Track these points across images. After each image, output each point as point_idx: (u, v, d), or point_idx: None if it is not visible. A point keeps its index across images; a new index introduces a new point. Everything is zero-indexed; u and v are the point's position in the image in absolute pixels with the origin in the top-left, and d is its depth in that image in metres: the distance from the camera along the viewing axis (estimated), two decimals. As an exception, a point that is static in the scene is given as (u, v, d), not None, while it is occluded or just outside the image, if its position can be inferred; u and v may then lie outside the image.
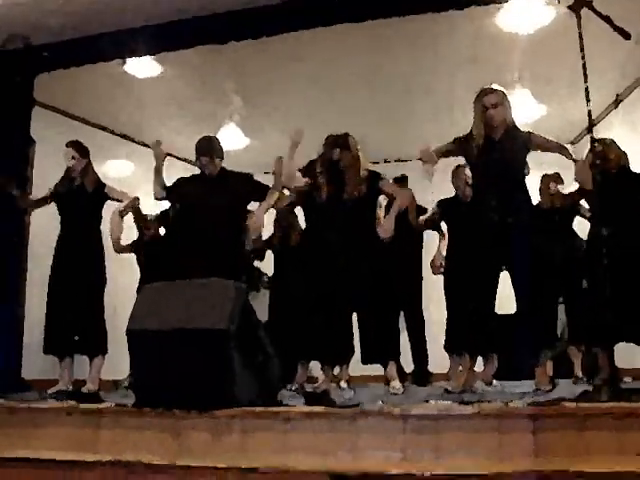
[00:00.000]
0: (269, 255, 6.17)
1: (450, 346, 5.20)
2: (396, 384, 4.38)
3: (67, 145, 4.98)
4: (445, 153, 4.29)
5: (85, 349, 4.82)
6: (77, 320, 4.73)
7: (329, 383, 4.51)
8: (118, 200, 5.04)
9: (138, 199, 5.18)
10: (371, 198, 4.57)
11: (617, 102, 6.16)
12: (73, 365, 4.87)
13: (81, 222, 4.89)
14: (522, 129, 4.13)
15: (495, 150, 4.01)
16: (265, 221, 4.89)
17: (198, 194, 4.70)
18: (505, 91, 4.09)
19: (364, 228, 4.48)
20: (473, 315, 4.09)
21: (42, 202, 5.05)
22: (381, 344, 4.44)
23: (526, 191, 4.10)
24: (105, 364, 4.90)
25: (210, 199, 4.62)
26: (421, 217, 5.47)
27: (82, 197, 4.91)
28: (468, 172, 4.59)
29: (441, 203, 5.38)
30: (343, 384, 5.00)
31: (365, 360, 4.47)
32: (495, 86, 4.06)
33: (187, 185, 4.83)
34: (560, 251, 5.16)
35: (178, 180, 4.91)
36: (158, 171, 4.80)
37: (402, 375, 4.96)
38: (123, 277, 5.76)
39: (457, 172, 5.09)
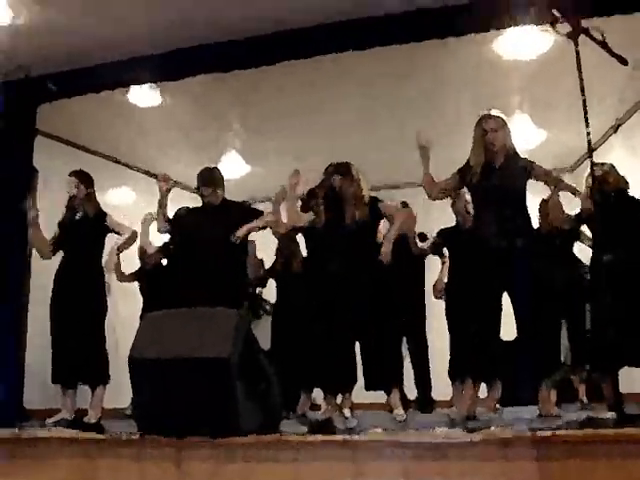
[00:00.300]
0: (271, 282, 6.18)
1: (453, 372, 5.17)
2: (399, 411, 4.36)
3: (70, 174, 5.01)
4: (448, 191, 4.34)
5: (87, 379, 4.80)
6: (78, 349, 4.72)
7: (332, 411, 4.48)
8: (117, 233, 5.02)
9: (136, 233, 5.16)
10: (371, 223, 4.58)
11: (616, 127, 6.20)
12: (76, 394, 4.84)
13: (82, 251, 4.90)
14: (522, 156, 4.14)
15: (495, 176, 4.01)
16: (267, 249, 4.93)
17: (199, 225, 4.78)
18: (505, 117, 4.11)
19: (365, 254, 4.48)
20: (476, 340, 4.07)
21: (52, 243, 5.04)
22: (384, 371, 4.42)
23: (527, 217, 4.10)
24: (109, 392, 4.87)
25: (212, 229, 4.69)
26: (422, 245, 5.48)
27: (84, 226, 4.93)
28: (468, 197, 4.60)
29: (442, 232, 5.41)
30: (347, 412, 4.97)
31: (368, 387, 4.45)
32: (495, 112, 4.08)
33: (189, 216, 4.90)
34: (561, 276, 5.15)
35: (179, 210, 4.94)
36: (162, 205, 4.82)
37: (405, 402, 4.93)
38: (126, 306, 5.78)
39: (458, 197, 5.10)
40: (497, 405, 4.75)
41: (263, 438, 2.94)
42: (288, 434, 3.08)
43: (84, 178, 5.02)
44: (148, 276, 6.06)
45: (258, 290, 7.20)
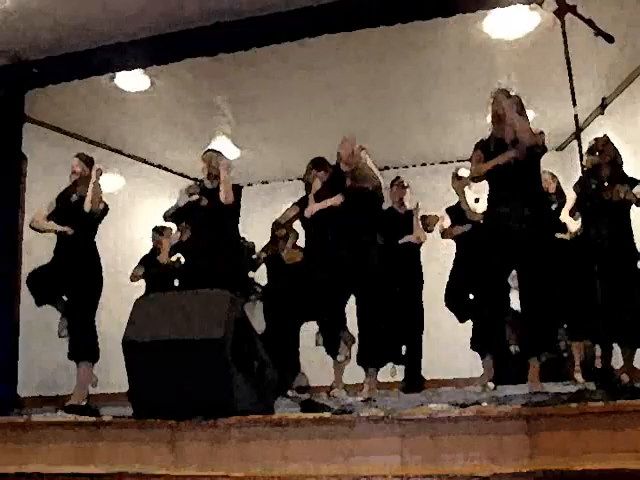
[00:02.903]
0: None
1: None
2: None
3: (76, 156, 5.01)
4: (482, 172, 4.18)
5: (73, 353, 4.81)
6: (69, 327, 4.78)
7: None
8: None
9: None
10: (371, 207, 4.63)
11: (603, 106, 6.22)
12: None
13: (76, 232, 4.89)
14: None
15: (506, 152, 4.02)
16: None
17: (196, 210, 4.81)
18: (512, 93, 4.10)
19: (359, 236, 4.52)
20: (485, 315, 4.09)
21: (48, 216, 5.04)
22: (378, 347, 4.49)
23: (539, 195, 4.08)
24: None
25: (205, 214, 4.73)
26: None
27: (78, 208, 4.92)
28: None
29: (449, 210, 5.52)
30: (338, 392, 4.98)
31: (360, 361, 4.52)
32: (505, 87, 4.09)
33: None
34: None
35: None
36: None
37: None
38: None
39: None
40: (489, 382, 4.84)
41: (257, 418, 2.97)
42: (282, 413, 3.12)
43: (87, 161, 5.02)
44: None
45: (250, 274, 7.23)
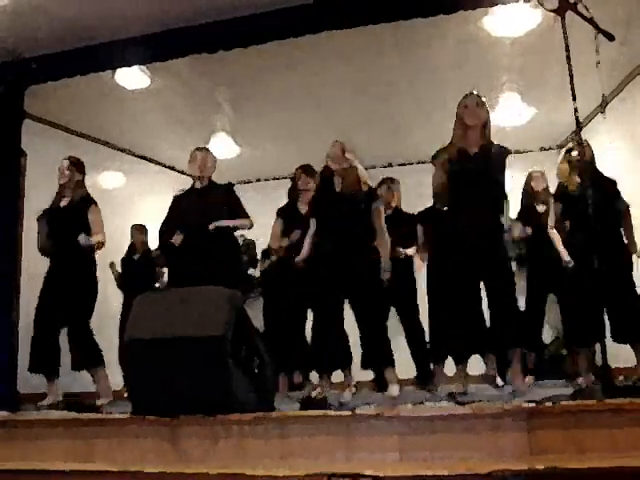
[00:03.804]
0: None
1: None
2: (394, 387, 4.40)
3: (64, 159, 5.00)
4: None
5: (83, 364, 4.82)
6: (70, 337, 4.78)
7: (326, 390, 4.52)
8: (87, 228, 4.91)
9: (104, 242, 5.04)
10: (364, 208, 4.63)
11: (604, 104, 6.21)
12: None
13: (70, 237, 4.86)
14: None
15: (470, 161, 3.98)
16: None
17: (190, 207, 4.79)
18: (486, 99, 4.07)
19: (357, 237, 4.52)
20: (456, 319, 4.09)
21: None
22: (379, 349, 4.47)
23: (501, 204, 4.06)
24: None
25: (199, 212, 4.73)
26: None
27: (69, 212, 4.91)
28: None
29: (420, 214, 5.57)
30: (348, 392, 4.94)
31: (364, 365, 4.51)
32: (476, 92, 4.07)
33: (182, 200, 4.93)
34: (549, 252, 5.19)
35: (176, 195, 5.00)
36: None
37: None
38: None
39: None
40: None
41: (257, 415, 2.97)
42: (282, 411, 3.12)
43: (78, 164, 5.01)
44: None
45: (250, 271, 7.25)
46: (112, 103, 6.23)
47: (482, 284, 3.96)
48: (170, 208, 5.01)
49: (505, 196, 4.09)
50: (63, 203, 4.97)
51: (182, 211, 4.89)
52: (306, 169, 5.29)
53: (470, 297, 3.96)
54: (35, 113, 6.01)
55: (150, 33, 4.98)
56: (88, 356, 4.81)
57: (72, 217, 4.91)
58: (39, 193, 5.32)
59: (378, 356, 4.47)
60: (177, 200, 5.02)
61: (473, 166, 3.95)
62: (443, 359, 5.28)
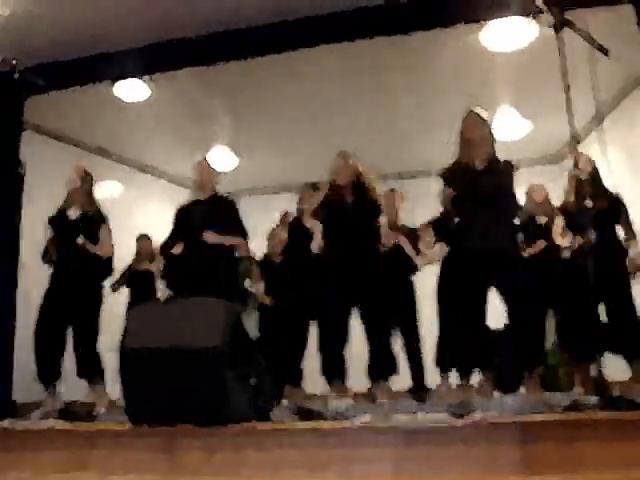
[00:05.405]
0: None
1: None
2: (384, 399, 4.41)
3: (75, 167, 5.00)
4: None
5: (84, 373, 4.81)
6: (75, 346, 4.77)
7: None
8: (94, 243, 4.90)
9: (111, 258, 5.08)
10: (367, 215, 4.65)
11: (599, 119, 6.25)
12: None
13: (78, 249, 4.86)
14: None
15: (475, 176, 3.99)
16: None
17: (190, 220, 4.82)
18: (487, 116, 4.09)
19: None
20: (462, 331, 4.10)
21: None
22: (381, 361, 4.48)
23: (510, 219, 4.11)
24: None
25: (199, 225, 4.74)
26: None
27: (81, 224, 4.90)
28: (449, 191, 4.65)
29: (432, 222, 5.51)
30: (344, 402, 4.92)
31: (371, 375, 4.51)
32: (479, 110, 4.09)
33: (184, 212, 4.95)
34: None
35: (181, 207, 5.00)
36: None
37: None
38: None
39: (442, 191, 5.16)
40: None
41: (253, 426, 2.97)
42: (278, 422, 3.12)
43: (88, 174, 5.01)
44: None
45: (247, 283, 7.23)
46: (111, 114, 6.27)
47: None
48: (174, 221, 5.02)
49: (519, 209, 4.11)
50: (73, 213, 4.96)
51: (184, 222, 4.90)
52: (313, 186, 5.25)
53: (479, 311, 3.97)
54: (35, 123, 6.02)
55: (149, 44, 5.01)
56: (86, 368, 4.79)
57: (82, 231, 4.88)
58: (37, 203, 5.32)
59: (385, 365, 4.49)
60: (180, 212, 5.03)
61: (483, 182, 3.96)
62: (448, 370, 5.25)
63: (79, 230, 4.86)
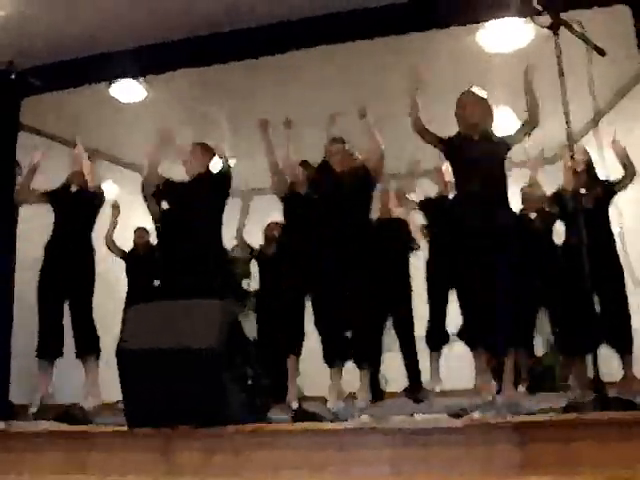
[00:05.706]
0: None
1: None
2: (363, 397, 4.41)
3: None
4: (431, 139, 4.28)
5: (77, 348, 4.80)
6: (73, 321, 4.82)
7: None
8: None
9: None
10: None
11: (596, 120, 6.26)
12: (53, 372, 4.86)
13: (75, 224, 4.91)
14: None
15: (474, 149, 4.05)
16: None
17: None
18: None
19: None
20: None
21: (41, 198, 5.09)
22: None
23: (506, 195, 4.10)
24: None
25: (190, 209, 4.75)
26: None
27: (80, 199, 4.95)
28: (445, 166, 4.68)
29: (422, 203, 5.52)
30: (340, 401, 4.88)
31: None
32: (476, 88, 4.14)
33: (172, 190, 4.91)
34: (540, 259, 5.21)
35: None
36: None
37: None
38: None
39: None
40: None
41: (251, 427, 2.97)
42: (276, 423, 3.12)
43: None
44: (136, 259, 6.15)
45: (245, 284, 7.24)
46: (108, 115, 6.26)
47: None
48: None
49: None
50: (74, 188, 5.04)
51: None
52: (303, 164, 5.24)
53: (474, 284, 3.95)
54: (31, 124, 6.01)
55: (145, 45, 5.01)
56: (83, 340, 4.80)
57: (83, 205, 5.02)
58: (32, 205, 5.30)
59: (371, 351, 4.49)
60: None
61: (479, 149, 4.03)
62: (439, 347, 5.26)
63: (78, 205, 4.98)
